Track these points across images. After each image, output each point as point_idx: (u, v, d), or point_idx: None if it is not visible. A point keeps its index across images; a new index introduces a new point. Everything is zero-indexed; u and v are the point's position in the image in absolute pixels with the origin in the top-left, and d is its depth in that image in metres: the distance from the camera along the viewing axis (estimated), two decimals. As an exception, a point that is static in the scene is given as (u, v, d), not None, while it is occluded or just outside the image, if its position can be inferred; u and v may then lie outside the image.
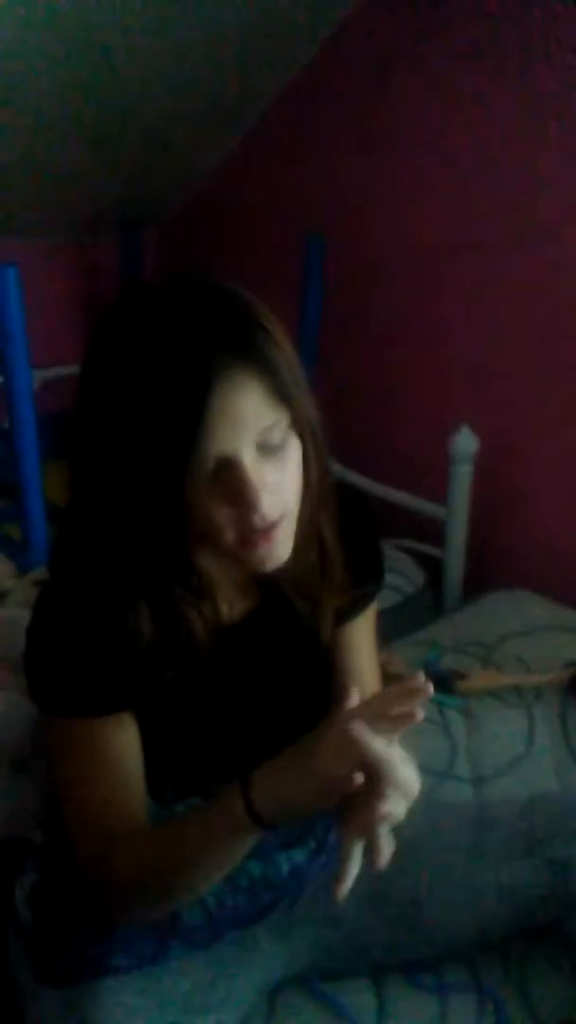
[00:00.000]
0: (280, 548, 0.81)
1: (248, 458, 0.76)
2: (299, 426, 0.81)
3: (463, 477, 2.01)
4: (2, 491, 2.36)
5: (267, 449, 0.77)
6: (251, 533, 0.78)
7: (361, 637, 1.02)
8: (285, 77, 2.32)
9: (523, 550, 2.14)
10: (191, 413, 0.72)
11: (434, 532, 2.12)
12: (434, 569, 2.14)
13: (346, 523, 0.94)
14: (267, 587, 0.93)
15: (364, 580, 0.98)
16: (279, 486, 0.78)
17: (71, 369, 2.92)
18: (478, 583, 2.10)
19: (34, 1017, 0.96)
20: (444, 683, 1.58)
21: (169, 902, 0.87)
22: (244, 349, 0.75)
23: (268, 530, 0.78)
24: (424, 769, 1.05)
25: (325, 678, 1.02)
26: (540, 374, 2.00)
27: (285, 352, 0.78)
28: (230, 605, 0.92)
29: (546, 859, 0.97)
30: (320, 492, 0.87)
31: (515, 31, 1.84)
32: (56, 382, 2.69)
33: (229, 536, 0.79)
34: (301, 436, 0.81)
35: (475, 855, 0.99)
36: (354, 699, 0.76)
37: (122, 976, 0.96)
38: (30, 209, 2.49)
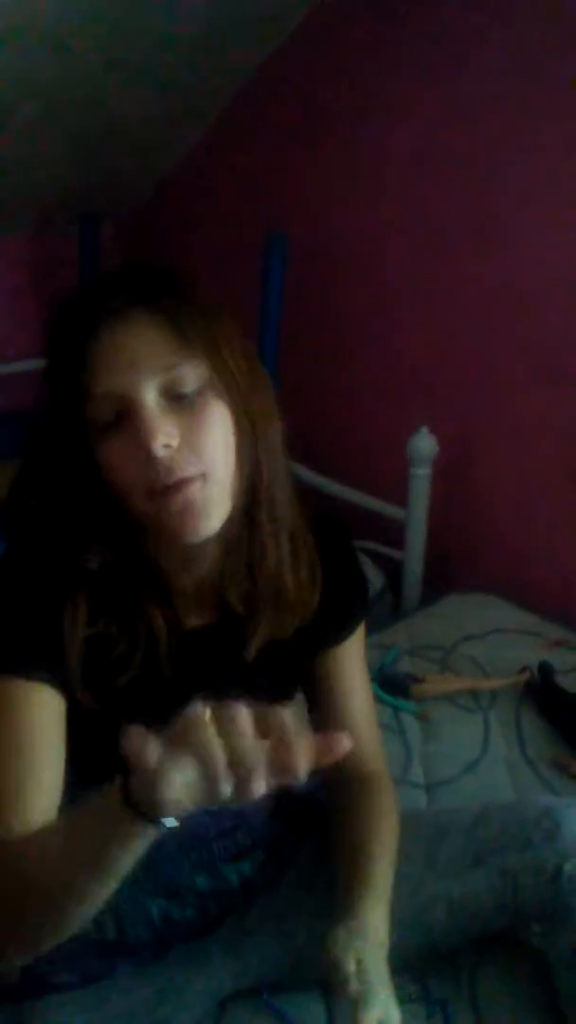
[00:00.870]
0: (200, 510, 0.75)
1: (149, 397, 0.74)
2: (228, 388, 0.77)
3: (422, 479, 2.00)
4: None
5: (175, 397, 0.75)
6: (157, 485, 0.74)
7: (350, 661, 1.00)
8: (246, 73, 2.30)
9: (482, 553, 2.15)
10: (76, 349, 0.74)
11: (393, 534, 2.12)
12: (393, 571, 2.14)
13: (324, 546, 0.91)
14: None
15: (346, 604, 0.95)
16: (192, 442, 0.74)
17: (24, 366, 2.88)
18: (437, 586, 2.10)
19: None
20: (400, 687, 1.58)
21: (23, 933, 0.73)
22: (137, 291, 0.77)
23: (179, 484, 0.74)
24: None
25: (286, 693, 0.99)
26: (499, 377, 2.01)
27: (208, 312, 0.78)
28: (193, 610, 0.87)
29: (498, 869, 0.97)
30: (265, 483, 0.82)
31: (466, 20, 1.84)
32: (8, 379, 2.64)
33: (139, 497, 0.75)
34: (232, 402, 0.78)
35: (427, 867, 0.98)
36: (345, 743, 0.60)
37: (67, 993, 0.94)
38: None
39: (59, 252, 2.77)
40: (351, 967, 0.78)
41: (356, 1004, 0.76)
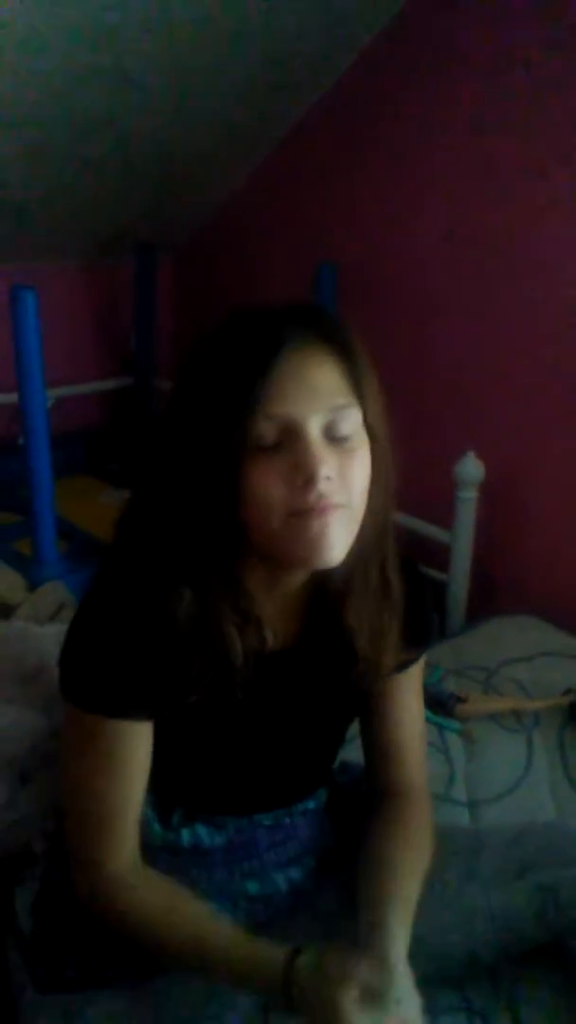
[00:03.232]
0: (334, 536, 0.78)
1: (314, 429, 0.77)
2: (371, 432, 0.82)
3: (468, 503, 2.03)
4: (14, 507, 2.40)
5: (336, 434, 0.79)
6: (304, 507, 0.76)
7: (409, 687, 1.02)
8: (299, 108, 2.38)
9: (526, 576, 2.15)
10: (258, 368, 0.76)
11: (439, 556, 2.14)
12: (438, 593, 2.16)
13: (405, 584, 0.94)
14: (314, 617, 0.93)
15: (416, 636, 0.98)
16: (343, 476, 0.78)
17: (84, 388, 3.01)
18: (481, 607, 2.11)
19: (32, 1028, 0.97)
20: (445, 707, 1.60)
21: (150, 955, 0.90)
22: (321, 329, 0.80)
23: (323, 508, 0.77)
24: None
25: (349, 718, 1.04)
26: (546, 401, 2.03)
27: (364, 357, 0.83)
28: (273, 634, 0.90)
29: (538, 884, 0.99)
30: (386, 518, 0.87)
31: (520, 52, 1.88)
32: (69, 401, 2.73)
33: (278, 518, 0.77)
34: (372, 445, 0.82)
35: (467, 878, 1.01)
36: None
37: (119, 988, 0.97)
38: (49, 234, 2.54)
39: (115, 280, 2.88)
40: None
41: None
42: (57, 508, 2.11)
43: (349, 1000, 0.75)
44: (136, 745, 0.87)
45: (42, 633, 1.54)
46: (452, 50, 2.01)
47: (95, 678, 0.84)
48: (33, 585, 1.99)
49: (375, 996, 0.77)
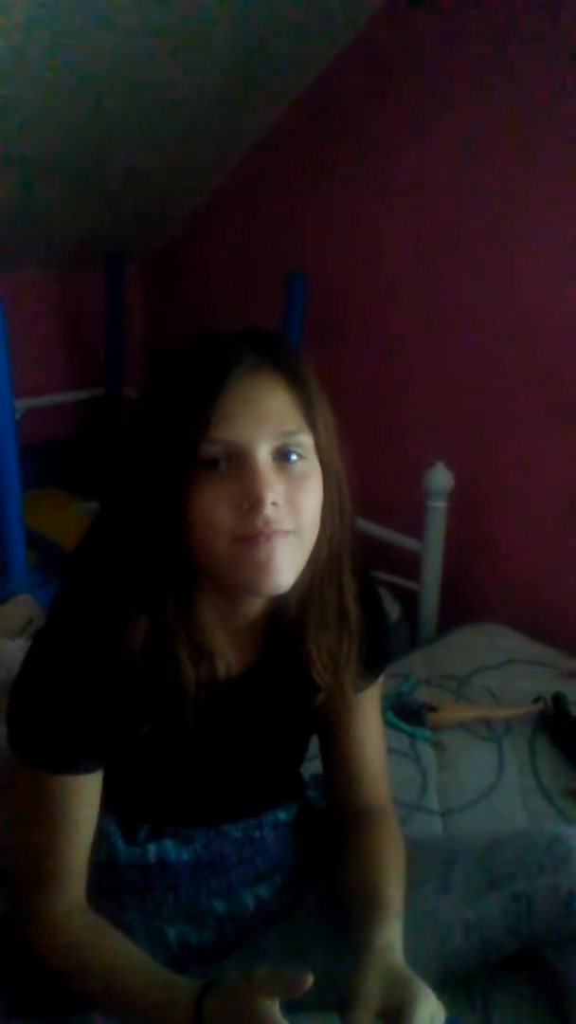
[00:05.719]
0: (280, 562, 0.78)
1: (262, 454, 0.77)
2: (323, 460, 0.82)
3: (438, 512, 2.04)
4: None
5: (286, 459, 0.79)
6: (250, 532, 0.76)
7: (367, 710, 1.02)
8: (268, 118, 2.39)
9: (497, 584, 2.17)
10: (207, 391, 0.76)
11: (409, 565, 2.15)
12: (409, 602, 2.17)
13: (363, 608, 0.94)
14: (272, 645, 0.92)
15: (374, 655, 0.97)
16: (292, 502, 0.78)
17: (54, 399, 2.98)
18: (453, 616, 2.13)
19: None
20: (416, 715, 1.61)
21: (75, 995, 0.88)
22: (273, 355, 0.81)
23: (270, 534, 0.76)
24: (396, 800, 1.09)
25: (308, 736, 1.04)
26: (512, 412, 2.05)
27: (314, 384, 0.83)
28: (226, 664, 0.90)
29: (511, 894, 0.99)
30: (341, 544, 0.87)
31: (502, 67, 1.91)
32: (38, 412, 2.71)
33: (223, 542, 0.77)
34: (324, 472, 0.82)
35: (442, 891, 1.01)
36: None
37: (89, 1014, 0.96)
38: (15, 243, 2.52)
39: (86, 289, 2.86)
40: (371, 1014, 0.79)
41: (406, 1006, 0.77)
42: (27, 520, 2.08)
43: (267, 1007, 0.74)
44: (83, 800, 0.87)
45: (11, 647, 1.53)
46: (421, 59, 2.03)
47: (41, 734, 0.84)
48: (1, 599, 1.97)
49: (399, 1012, 0.76)
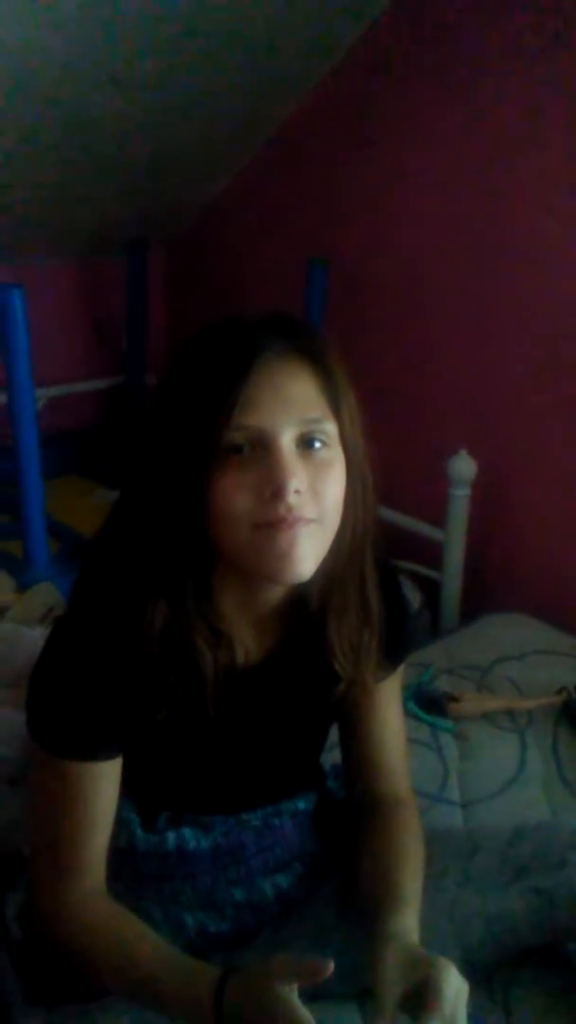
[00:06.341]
0: (302, 551, 0.77)
1: (286, 440, 0.76)
2: (347, 448, 0.81)
3: (461, 500, 2.02)
4: (4, 508, 2.38)
5: (309, 447, 0.78)
6: (272, 519, 0.75)
7: (388, 694, 1.02)
8: (290, 104, 2.36)
9: (519, 574, 2.15)
10: (231, 376, 0.75)
11: (431, 553, 2.13)
12: (431, 591, 2.16)
13: (384, 598, 0.93)
14: (292, 634, 0.92)
15: (393, 645, 0.97)
16: (315, 490, 0.77)
17: (75, 387, 2.99)
18: (475, 604, 2.11)
19: (22, 1036, 0.97)
20: (437, 706, 1.60)
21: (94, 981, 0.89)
22: (299, 341, 0.80)
23: (292, 522, 0.75)
24: (417, 791, 1.08)
25: (328, 724, 1.03)
26: (537, 398, 2.03)
27: (340, 372, 0.82)
28: (246, 651, 0.90)
29: (532, 887, 0.98)
30: (364, 534, 0.86)
31: (518, 54, 1.88)
32: (60, 400, 2.72)
33: (244, 529, 0.76)
34: (348, 461, 0.81)
35: (463, 884, 1.00)
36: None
37: (109, 999, 0.96)
38: (36, 231, 2.53)
39: (107, 276, 2.86)
40: (394, 999, 0.78)
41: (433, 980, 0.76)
42: (49, 508, 2.10)
43: (287, 993, 0.74)
44: (103, 787, 0.86)
45: (32, 635, 1.53)
46: (446, 45, 1.99)
47: (61, 721, 0.84)
48: (23, 587, 1.98)
49: (424, 991, 0.76)
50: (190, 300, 2.98)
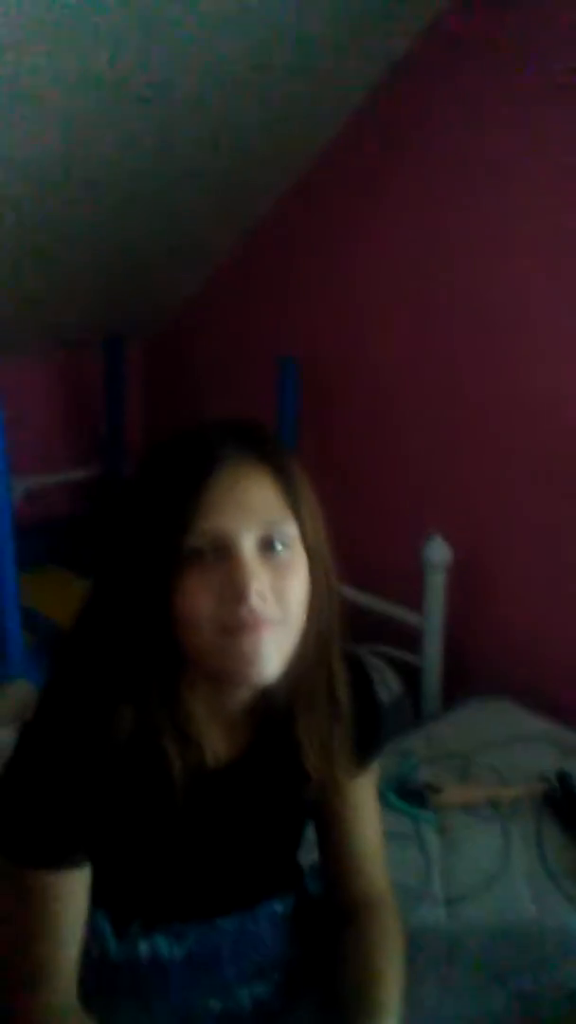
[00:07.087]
0: (267, 653, 0.77)
1: (247, 545, 0.77)
2: (309, 548, 0.82)
3: (437, 586, 2.03)
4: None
5: (271, 549, 0.79)
6: (235, 623, 0.76)
7: (362, 798, 1.00)
8: (260, 208, 2.47)
9: (500, 659, 2.15)
10: (191, 483, 0.77)
11: (411, 638, 2.13)
12: (411, 676, 2.14)
13: (354, 694, 0.93)
14: (262, 733, 0.91)
15: (366, 741, 0.96)
16: (278, 591, 0.78)
17: (54, 478, 3.00)
18: (457, 688, 2.10)
19: None
20: (419, 797, 1.57)
21: None
22: (257, 447, 0.81)
23: (255, 624, 0.76)
24: (399, 885, 1.06)
25: (302, 824, 1.02)
26: (509, 484, 2.06)
27: (299, 474, 0.83)
28: (215, 752, 0.89)
29: (516, 990, 0.95)
30: (329, 633, 0.86)
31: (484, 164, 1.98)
32: (39, 491, 2.73)
33: (208, 633, 0.77)
34: (311, 561, 0.82)
35: (443, 990, 0.97)
36: None
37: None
38: (14, 328, 2.58)
39: (84, 373, 2.92)
40: None
41: None
42: (29, 600, 2.08)
43: None
44: (70, 899, 0.84)
45: (1, 740, 1.50)
46: (414, 152, 2.10)
47: (26, 830, 0.82)
48: (-1, 682, 1.95)
49: None
50: (167, 394, 3.04)
